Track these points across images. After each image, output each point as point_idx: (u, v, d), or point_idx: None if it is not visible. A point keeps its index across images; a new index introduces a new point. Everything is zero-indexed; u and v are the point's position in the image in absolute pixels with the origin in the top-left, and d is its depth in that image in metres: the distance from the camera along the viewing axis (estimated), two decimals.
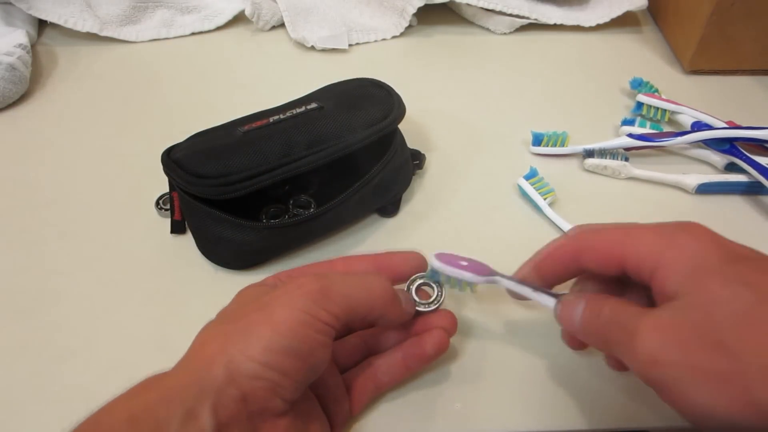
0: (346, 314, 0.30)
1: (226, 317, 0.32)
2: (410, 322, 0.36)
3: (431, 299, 0.36)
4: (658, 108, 0.54)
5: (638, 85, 0.57)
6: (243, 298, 0.33)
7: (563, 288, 0.35)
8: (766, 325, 0.25)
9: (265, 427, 0.28)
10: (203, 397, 0.26)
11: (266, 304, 0.29)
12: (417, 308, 0.36)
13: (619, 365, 0.34)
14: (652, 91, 0.56)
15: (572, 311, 0.31)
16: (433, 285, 0.37)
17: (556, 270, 0.34)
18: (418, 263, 0.37)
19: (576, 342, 0.36)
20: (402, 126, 0.46)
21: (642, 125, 0.53)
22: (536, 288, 0.34)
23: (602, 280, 0.33)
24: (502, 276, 0.35)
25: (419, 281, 0.37)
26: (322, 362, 0.29)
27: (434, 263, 0.36)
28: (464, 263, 0.36)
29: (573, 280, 0.35)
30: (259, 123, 0.43)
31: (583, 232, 0.33)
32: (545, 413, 0.36)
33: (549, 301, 0.33)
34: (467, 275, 0.35)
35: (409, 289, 0.37)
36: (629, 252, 0.29)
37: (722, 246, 0.28)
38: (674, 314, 0.26)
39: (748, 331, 0.25)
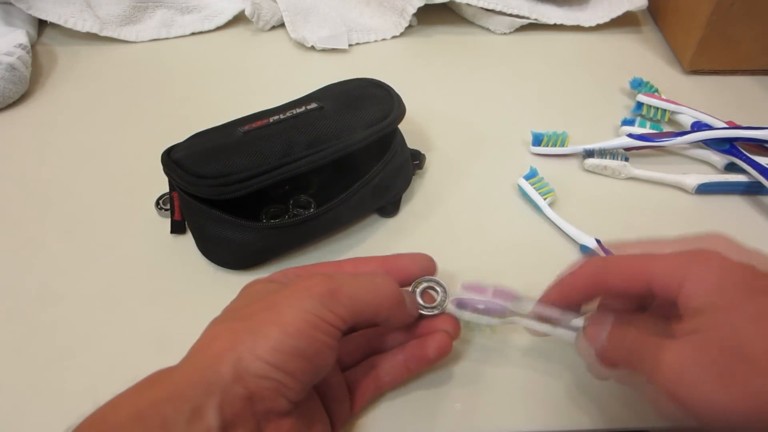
0: (353, 317, 0.30)
1: (233, 314, 0.31)
2: (414, 323, 0.36)
3: (435, 303, 0.37)
4: (658, 108, 0.54)
5: (638, 85, 0.57)
6: (250, 294, 0.33)
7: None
8: None
9: (270, 426, 0.28)
10: (210, 395, 0.26)
11: (275, 303, 0.29)
12: (421, 312, 0.36)
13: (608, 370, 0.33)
14: (652, 91, 0.56)
15: (595, 338, 0.31)
16: (438, 288, 0.37)
17: (580, 291, 0.33)
18: (426, 264, 0.37)
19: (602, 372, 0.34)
20: (402, 126, 0.46)
21: (642, 125, 0.53)
22: (555, 323, 0.34)
23: (625, 297, 0.33)
24: (521, 315, 0.35)
25: (425, 284, 0.37)
26: (327, 364, 0.29)
27: (451, 308, 0.36)
28: (481, 306, 0.35)
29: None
30: (259, 123, 0.43)
31: (605, 257, 0.33)
32: (545, 413, 0.36)
33: (569, 337, 0.34)
34: (484, 319, 0.35)
35: (413, 291, 0.37)
36: (656, 272, 0.30)
37: (746, 262, 0.28)
38: (700, 333, 0.27)
39: None
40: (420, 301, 0.36)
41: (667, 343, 0.27)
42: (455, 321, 0.36)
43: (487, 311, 0.35)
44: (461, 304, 0.35)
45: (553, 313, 0.34)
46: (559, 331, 0.34)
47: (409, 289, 0.37)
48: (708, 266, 0.28)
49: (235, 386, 0.26)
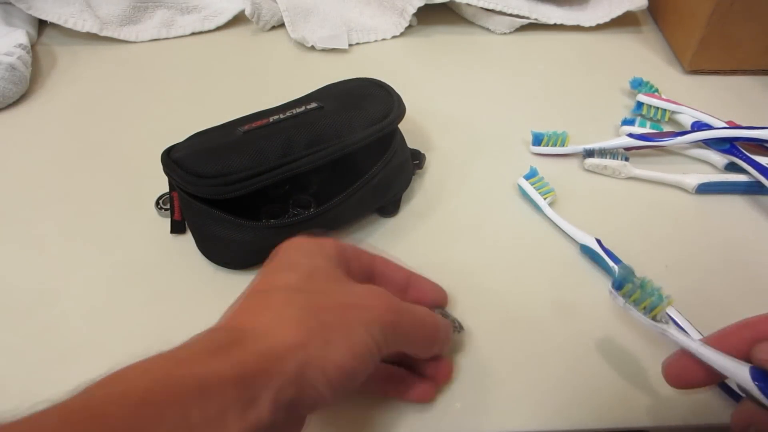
0: (397, 350, 0.31)
1: (304, 294, 0.30)
2: None
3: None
4: (658, 108, 0.54)
5: (638, 85, 0.57)
6: (316, 268, 0.32)
7: None
8: None
9: (286, 429, 0.28)
10: (269, 387, 0.26)
11: (347, 316, 0.29)
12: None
13: None
14: (652, 91, 0.56)
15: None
16: (448, 318, 0.38)
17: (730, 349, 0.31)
18: (441, 297, 0.39)
19: (683, 381, 0.32)
20: (402, 126, 0.46)
21: (642, 125, 0.53)
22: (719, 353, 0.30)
23: None
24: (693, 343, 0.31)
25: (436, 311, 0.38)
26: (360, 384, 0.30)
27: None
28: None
29: None
30: (259, 123, 0.43)
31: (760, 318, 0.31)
32: (545, 413, 0.36)
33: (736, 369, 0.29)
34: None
35: None
36: None
37: None
38: None
39: None
40: None
41: None
42: (448, 372, 0.36)
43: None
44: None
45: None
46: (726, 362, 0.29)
47: None
48: None
49: (290, 386, 0.26)
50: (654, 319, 0.32)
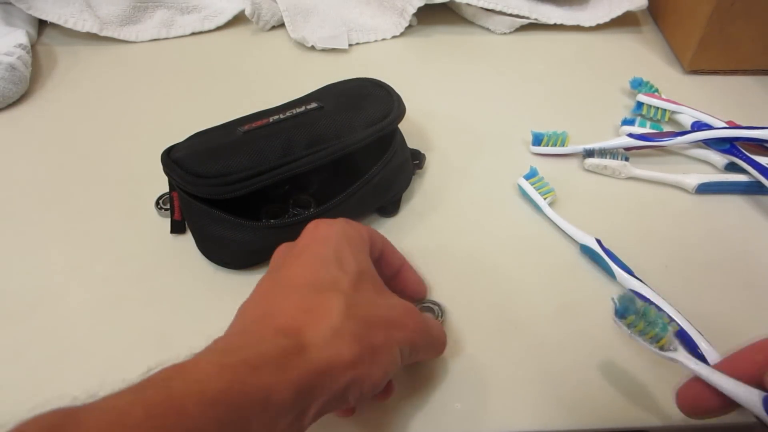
0: (410, 362, 0.33)
1: (357, 306, 0.30)
2: None
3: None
4: (658, 108, 0.54)
5: (638, 85, 0.57)
6: (366, 278, 0.32)
7: None
8: None
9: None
10: (318, 401, 0.27)
11: (390, 334, 0.30)
12: None
13: None
14: (652, 91, 0.56)
15: None
16: (435, 308, 0.40)
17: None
18: (423, 292, 0.41)
19: (697, 409, 0.31)
20: (402, 126, 0.46)
21: (642, 125, 0.53)
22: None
23: None
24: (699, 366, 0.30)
25: (419, 306, 0.40)
26: None
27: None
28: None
29: None
30: (259, 123, 0.43)
31: None
32: (545, 413, 0.36)
33: (749, 396, 0.28)
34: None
35: None
36: None
37: None
38: None
39: None
40: None
41: None
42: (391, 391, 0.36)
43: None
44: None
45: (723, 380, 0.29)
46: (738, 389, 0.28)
47: None
48: None
49: (333, 401, 0.28)
50: (662, 348, 0.32)
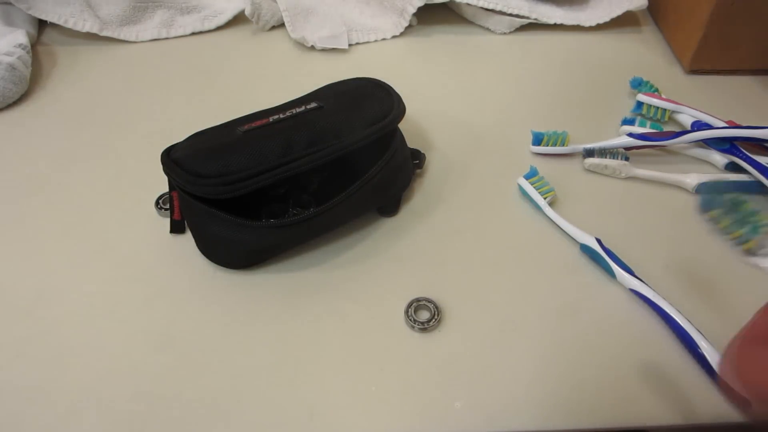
0: None
1: None
2: None
3: (428, 319, 0.39)
4: (658, 107, 0.54)
5: (638, 84, 0.57)
6: None
7: None
8: None
9: None
10: None
11: None
12: (414, 327, 0.39)
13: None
14: (652, 90, 0.56)
15: None
16: (430, 306, 0.40)
17: None
18: None
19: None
20: (402, 126, 0.46)
21: (642, 125, 0.53)
22: None
23: None
24: None
25: (416, 303, 0.40)
26: None
27: None
28: None
29: None
30: (259, 122, 0.43)
31: None
32: (545, 413, 0.36)
33: None
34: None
35: (408, 309, 0.40)
36: None
37: None
38: None
39: None
40: (415, 318, 0.40)
41: None
42: None
43: None
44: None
45: None
46: None
47: (404, 309, 0.40)
48: None
49: None
50: (749, 252, 0.28)
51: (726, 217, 0.29)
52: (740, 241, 0.28)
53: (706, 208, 0.29)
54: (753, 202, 0.28)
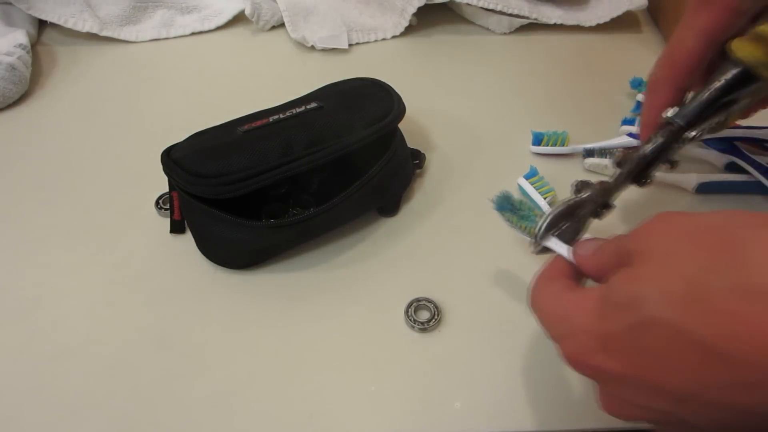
0: None
1: None
2: None
3: (428, 319, 0.39)
4: None
5: (638, 85, 0.57)
6: None
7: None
8: None
9: None
10: None
11: None
12: (414, 327, 0.39)
13: None
14: None
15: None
16: (430, 306, 0.40)
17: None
18: None
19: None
20: (402, 126, 0.46)
21: None
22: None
23: None
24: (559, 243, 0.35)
25: (416, 303, 0.40)
26: None
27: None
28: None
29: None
30: (258, 122, 0.43)
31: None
32: (545, 413, 0.36)
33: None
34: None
35: (408, 309, 0.40)
36: None
37: None
38: None
39: None
40: (415, 317, 0.40)
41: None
42: None
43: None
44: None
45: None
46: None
47: (404, 309, 0.40)
48: None
49: None
50: (535, 238, 0.35)
51: (513, 215, 0.37)
52: (527, 232, 0.36)
53: (499, 210, 0.37)
54: (528, 204, 0.38)
